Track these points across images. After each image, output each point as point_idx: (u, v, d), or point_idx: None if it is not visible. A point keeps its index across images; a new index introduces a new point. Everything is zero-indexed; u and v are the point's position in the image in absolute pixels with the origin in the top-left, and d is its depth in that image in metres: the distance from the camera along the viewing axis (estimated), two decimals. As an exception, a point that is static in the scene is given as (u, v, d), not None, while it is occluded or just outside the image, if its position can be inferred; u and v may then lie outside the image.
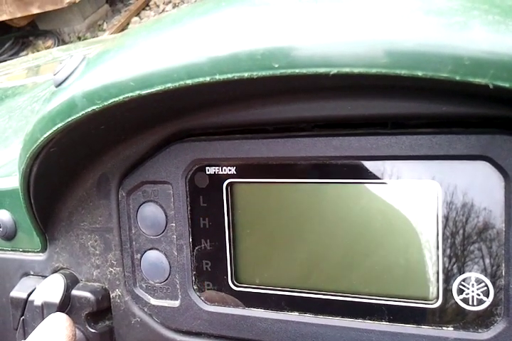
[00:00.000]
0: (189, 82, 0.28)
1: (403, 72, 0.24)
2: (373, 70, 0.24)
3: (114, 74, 0.31)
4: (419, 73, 0.24)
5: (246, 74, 0.27)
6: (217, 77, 0.27)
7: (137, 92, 0.30)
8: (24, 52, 4.45)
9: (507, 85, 0.23)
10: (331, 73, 0.25)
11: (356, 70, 0.24)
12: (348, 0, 0.26)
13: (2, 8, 4.09)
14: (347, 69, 0.24)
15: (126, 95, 0.30)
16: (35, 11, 4.11)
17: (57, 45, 4.35)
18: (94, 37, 4.41)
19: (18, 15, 4.14)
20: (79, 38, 4.43)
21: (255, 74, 0.26)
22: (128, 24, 4.47)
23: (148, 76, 0.29)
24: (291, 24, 0.26)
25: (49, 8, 4.07)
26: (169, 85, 0.29)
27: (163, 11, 4.58)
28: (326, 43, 0.25)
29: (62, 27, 4.48)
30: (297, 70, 0.25)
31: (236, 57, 0.27)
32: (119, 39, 0.34)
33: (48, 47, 4.40)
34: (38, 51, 4.31)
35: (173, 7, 4.58)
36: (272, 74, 0.26)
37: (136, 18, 4.53)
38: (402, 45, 0.24)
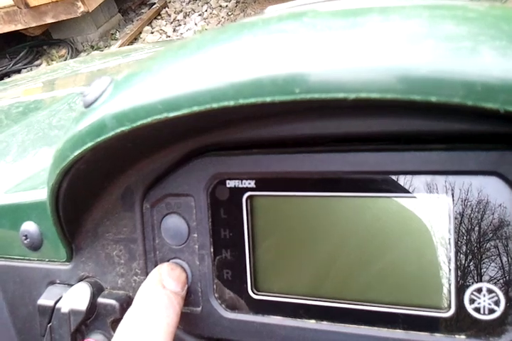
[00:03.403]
0: (214, 105, 0.30)
1: (417, 97, 0.25)
2: (389, 96, 0.26)
3: (142, 97, 0.33)
4: (433, 99, 0.25)
5: (268, 99, 0.28)
6: (241, 101, 0.29)
7: (164, 115, 0.32)
8: (38, 61, 4.50)
9: None
10: (350, 98, 0.26)
11: (373, 95, 0.26)
12: (363, 28, 0.28)
13: (17, 18, 4.14)
14: (364, 95, 0.26)
15: (154, 117, 0.32)
16: (49, 20, 4.14)
17: (71, 54, 4.40)
18: (107, 46, 4.45)
19: (33, 24, 4.17)
20: (92, 47, 4.47)
21: (277, 98, 0.28)
22: (140, 33, 4.50)
23: (176, 99, 0.31)
24: (311, 51, 0.28)
25: (63, 17, 4.11)
26: (195, 108, 0.31)
27: (174, 20, 4.61)
28: (345, 70, 0.26)
29: (76, 36, 4.52)
30: (317, 95, 0.27)
31: (259, 82, 0.28)
32: (146, 63, 0.36)
33: (62, 56, 4.45)
34: (52, 60, 4.36)
35: (184, 16, 4.61)
36: (293, 98, 0.28)
37: (147, 27, 4.56)
38: (416, 71, 0.25)
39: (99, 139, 0.35)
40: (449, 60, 0.25)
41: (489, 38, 0.25)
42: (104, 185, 0.47)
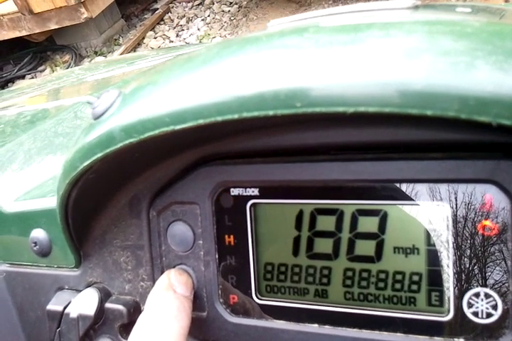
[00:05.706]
0: (219, 118, 0.31)
1: (414, 111, 0.26)
2: (386, 109, 0.27)
3: (150, 110, 0.34)
4: (428, 112, 0.26)
5: (271, 113, 0.29)
6: (245, 114, 0.30)
7: (171, 127, 0.33)
8: (42, 67, 4.53)
9: (508, 123, 0.26)
10: (349, 112, 0.27)
11: (371, 109, 0.27)
12: (363, 44, 0.29)
13: (21, 25, 4.18)
14: (362, 109, 0.27)
15: (162, 130, 0.33)
16: (53, 26, 4.17)
17: (75, 60, 4.42)
18: (110, 51, 4.46)
19: (37, 30, 4.20)
20: (95, 53, 4.49)
21: (279, 112, 0.29)
22: (143, 38, 4.52)
23: (182, 112, 0.32)
24: (312, 67, 0.29)
25: (66, 23, 4.14)
26: (201, 121, 0.32)
27: (177, 25, 4.63)
28: (344, 85, 0.28)
29: (79, 42, 4.54)
30: (317, 109, 0.28)
31: (262, 96, 0.29)
32: (153, 76, 0.37)
33: (66, 62, 4.47)
34: (55, 66, 4.38)
35: (187, 21, 4.63)
36: (295, 112, 0.29)
37: (151, 33, 4.58)
38: (412, 86, 0.26)
39: (107, 150, 0.37)
40: (444, 75, 0.26)
41: (486, 53, 0.26)
42: (112, 193, 0.48)
